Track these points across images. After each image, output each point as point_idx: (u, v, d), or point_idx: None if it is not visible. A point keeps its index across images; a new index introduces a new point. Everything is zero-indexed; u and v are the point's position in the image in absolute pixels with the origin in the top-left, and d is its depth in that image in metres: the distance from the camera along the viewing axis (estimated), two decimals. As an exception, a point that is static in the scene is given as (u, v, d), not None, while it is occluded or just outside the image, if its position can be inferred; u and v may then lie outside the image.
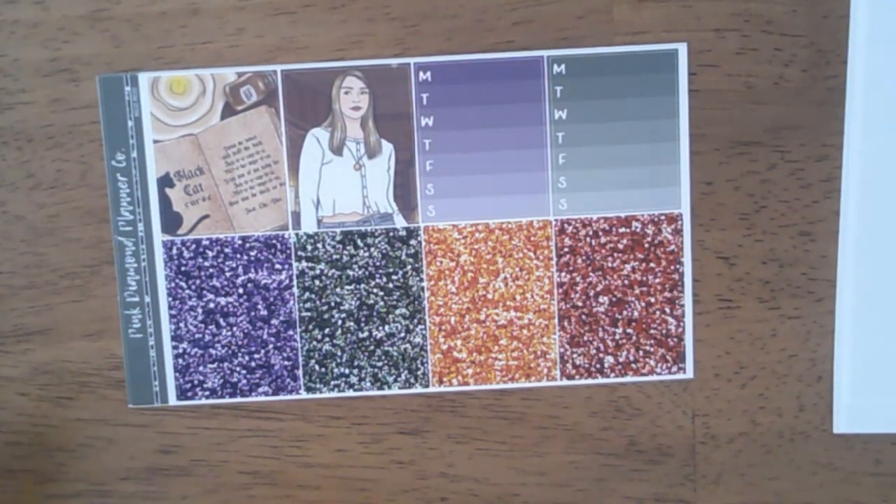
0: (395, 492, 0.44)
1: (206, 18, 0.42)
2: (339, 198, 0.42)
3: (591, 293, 0.43)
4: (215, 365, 0.43)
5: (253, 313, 0.43)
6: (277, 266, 0.43)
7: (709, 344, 0.44)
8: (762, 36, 0.42)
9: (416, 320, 0.43)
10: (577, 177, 0.42)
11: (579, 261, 0.43)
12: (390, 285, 0.43)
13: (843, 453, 0.44)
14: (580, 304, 0.43)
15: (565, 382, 0.44)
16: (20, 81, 0.42)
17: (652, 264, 0.43)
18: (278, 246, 0.43)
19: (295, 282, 0.43)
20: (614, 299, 0.43)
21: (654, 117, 0.42)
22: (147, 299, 0.43)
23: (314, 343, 0.43)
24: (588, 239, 0.43)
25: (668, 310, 0.43)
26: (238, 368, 0.43)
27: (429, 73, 0.42)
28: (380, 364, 0.43)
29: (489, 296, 0.43)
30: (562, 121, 0.42)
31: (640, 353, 0.43)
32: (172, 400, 0.44)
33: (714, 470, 0.44)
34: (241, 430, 0.44)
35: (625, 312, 0.43)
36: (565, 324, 0.43)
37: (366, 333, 0.43)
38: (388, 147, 0.42)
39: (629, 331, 0.43)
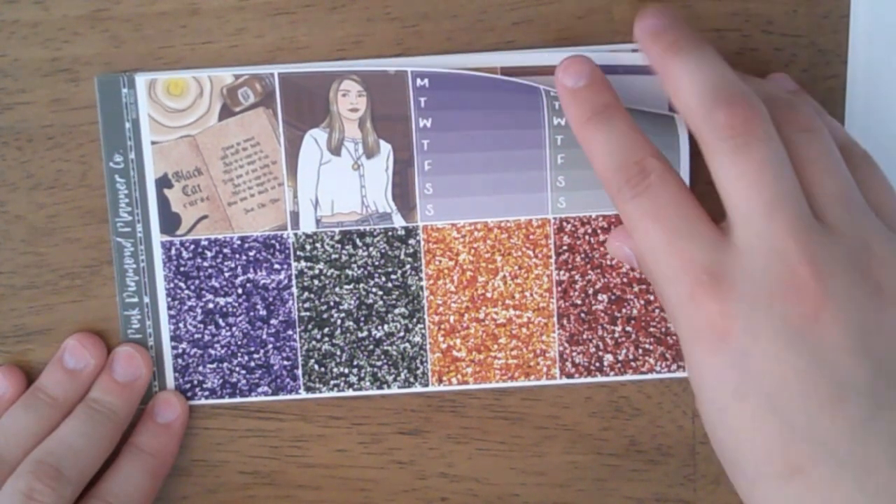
0: (395, 492, 0.44)
1: (206, 18, 0.42)
2: (338, 198, 0.42)
3: (590, 291, 0.43)
4: (214, 365, 0.43)
5: (252, 313, 0.43)
6: (276, 266, 0.43)
7: (709, 343, 0.43)
8: (762, 36, 0.42)
9: (415, 319, 0.43)
10: (576, 175, 0.42)
11: (578, 259, 0.43)
12: (389, 285, 0.43)
13: (845, 453, 0.44)
14: (579, 301, 0.43)
15: (565, 381, 0.43)
16: (20, 81, 0.42)
17: (651, 263, 0.43)
18: (277, 246, 0.43)
19: (294, 282, 0.43)
20: (613, 297, 0.43)
21: (653, 117, 0.42)
22: (146, 300, 0.43)
23: (313, 343, 0.43)
24: (587, 237, 0.43)
25: (667, 308, 0.43)
26: (237, 368, 0.43)
27: (426, 80, 0.42)
28: (379, 363, 0.43)
29: (488, 294, 0.43)
30: (560, 127, 0.42)
31: (640, 351, 0.43)
32: (172, 400, 0.44)
33: (714, 470, 0.44)
34: (240, 430, 0.44)
35: (624, 310, 0.43)
36: (564, 322, 0.43)
37: (365, 333, 0.43)
38: (385, 147, 0.42)
39: (628, 329, 0.43)
